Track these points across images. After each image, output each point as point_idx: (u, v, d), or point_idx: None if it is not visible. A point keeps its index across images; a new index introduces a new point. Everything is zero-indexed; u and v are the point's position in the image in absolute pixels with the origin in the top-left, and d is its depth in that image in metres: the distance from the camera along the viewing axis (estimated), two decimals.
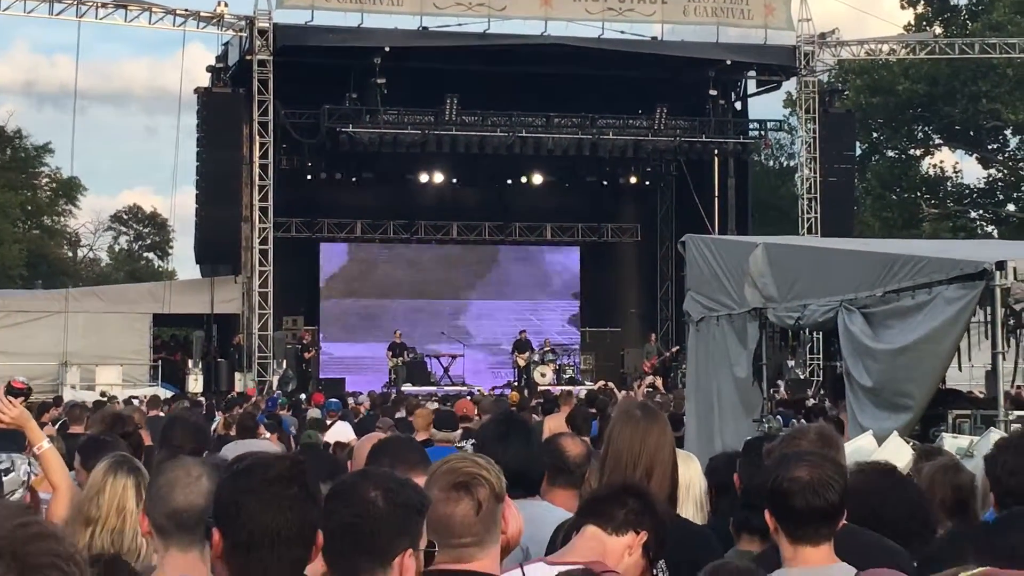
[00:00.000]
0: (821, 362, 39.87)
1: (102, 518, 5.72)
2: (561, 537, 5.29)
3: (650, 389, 35.55)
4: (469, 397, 27.72)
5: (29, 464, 5.87)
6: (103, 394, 29.98)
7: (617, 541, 4.74)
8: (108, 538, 5.67)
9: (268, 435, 16.46)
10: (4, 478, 5.52)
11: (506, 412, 13.15)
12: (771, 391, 16.91)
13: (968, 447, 10.47)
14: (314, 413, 21.15)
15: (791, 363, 36.89)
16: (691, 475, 6.56)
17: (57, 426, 19.83)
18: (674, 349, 44.59)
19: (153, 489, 4.47)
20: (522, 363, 42.41)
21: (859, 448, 9.39)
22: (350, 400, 29.02)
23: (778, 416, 15.54)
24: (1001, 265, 11.65)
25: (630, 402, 8.05)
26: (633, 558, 4.75)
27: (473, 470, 4.34)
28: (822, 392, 29.43)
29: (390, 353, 41.74)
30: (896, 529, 5.53)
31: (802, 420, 14.81)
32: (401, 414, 20.03)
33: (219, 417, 22.03)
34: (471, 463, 4.40)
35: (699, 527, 6.13)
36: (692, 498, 6.47)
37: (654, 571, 5.09)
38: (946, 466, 7.05)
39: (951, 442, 10.88)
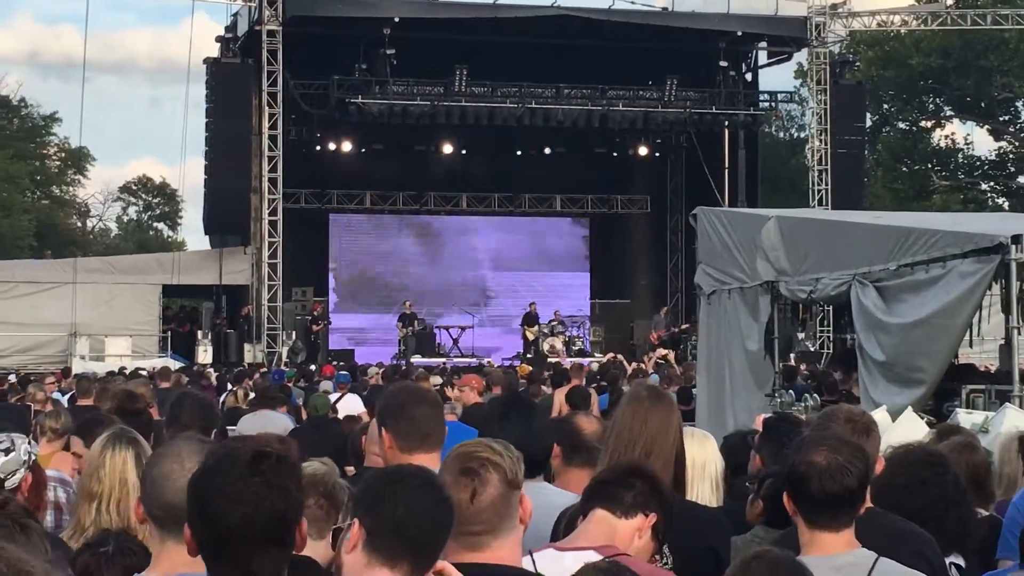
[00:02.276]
0: (831, 335, 39.89)
1: (105, 492, 5.69)
2: (565, 522, 5.23)
3: (661, 361, 35.47)
4: (481, 368, 27.72)
5: (29, 444, 5.81)
6: (122, 369, 29.90)
7: (627, 524, 4.68)
8: (115, 510, 5.65)
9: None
10: (5, 457, 5.46)
11: (510, 392, 13.11)
12: (781, 364, 16.82)
13: (983, 423, 10.39)
14: (325, 386, 21.09)
15: (801, 336, 36.78)
16: (707, 454, 6.48)
17: (67, 398, 19.85)
18: (684, 325, 44.56)
19: (147, 480, 4.39)
20: (531, 336, 42.34)
21: None
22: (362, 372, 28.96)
23: (790, 390, 15.47)
24: (1017, 239, 11.56)
25: (640, 384, 7.97)
26: (643, 541, 4.69)
27: (485, 455, 4.26)
28: (831, 366, 29.34)
29: (400, 324, 41.69)
30: (932, 519, 5.45)
31: (815, 396, 14.71)
32: None
33: (235, 390, 21.87)
34: (484, 448, 4.32)
35: (709, 510, 6.05)
36: (708, 477, 6.40)
37: (658, 557, 5.03)
38: (962, 445, 6.98)
39: (965, 417, 10.81)
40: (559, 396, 17.67)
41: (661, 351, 39.78)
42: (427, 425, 5.75)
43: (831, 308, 35.71)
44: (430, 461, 5.13)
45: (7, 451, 5.32)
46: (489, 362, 35.25)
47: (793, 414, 11.17)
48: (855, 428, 5.48)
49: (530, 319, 42.91)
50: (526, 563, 4.43)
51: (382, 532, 3.75)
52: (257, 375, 26.53)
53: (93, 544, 5.02)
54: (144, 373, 25.90)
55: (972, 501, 6.19)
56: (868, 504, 5.12)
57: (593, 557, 4.33)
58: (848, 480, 4.71)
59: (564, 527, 5.09)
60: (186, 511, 3.58)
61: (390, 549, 3.74)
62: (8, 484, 5.53)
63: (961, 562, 5.69)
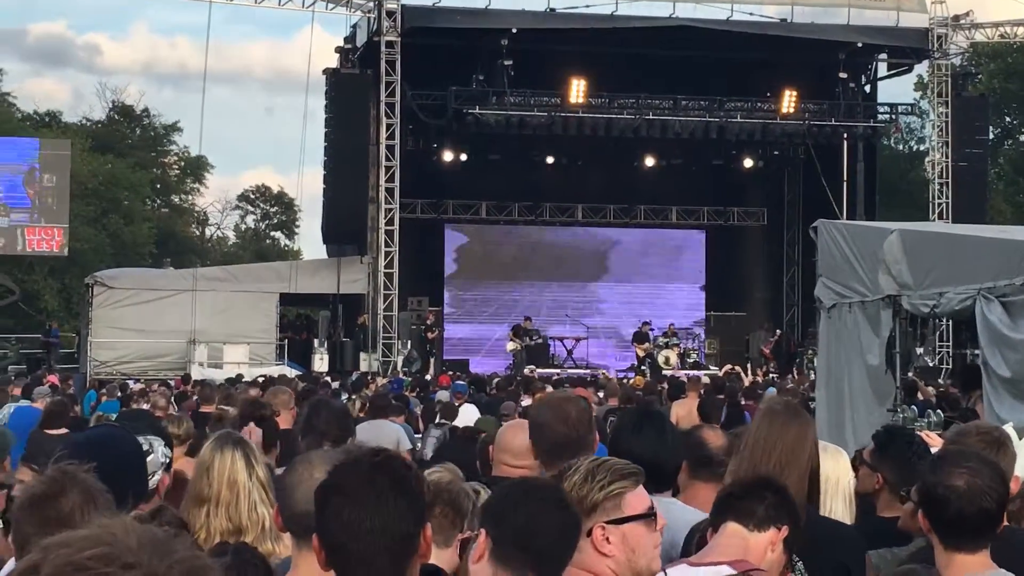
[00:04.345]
0: (951, 350, 39.41)
1: (214, 495, 5.71)
2: (697, 538, 5.18)
3: (774, 374, 35.24)
4: (595, 380, 27.68)
5: (166, 447, 5.86)
6: (240, 376, 30.21)
7: (759, 537, 4.62)
8: (224, 515, 5.66)
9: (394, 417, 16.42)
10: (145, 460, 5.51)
11: (643, 404, 13.07)
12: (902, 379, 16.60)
13: None
14: (442, 395, 21.14)
15: (920, 351, 36.34)
16: (840, 470, 6.40)
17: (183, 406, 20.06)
18: (779, 332, 44.25)
19: (280, 489, 4.42)
20: (641, 353, 42.13)
21: None
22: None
23: (913, 407, 15.28)
24: None
25: (775, 398, 7.91)
26: (775, 554, 4.63)
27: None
28: (949, 381, 28.99)
29: (512, 335, 41.72)
30: None
31: (938, 412, 14.52)
32: (527, 401, 19.92)
33: (354, 399, 21.96)
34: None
35: (843, 526, 5.98)
36: (841, 492, 6.32)
37: (791, 572, 4.97)
38: None
39: None
40: (676, 410, 17.61)
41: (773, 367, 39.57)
42: (566, 445, 5.77)
43: (950, 323, 35.30)
44: None
45: (146, 453, 5.37)
46: (604, 373, 35.15)
47: (904, 426, 11.04)
48: (987, 441, 5.38)
49: (640, 337, 42.70)
50: None
51: (508, 543, 3.75)
52: (376, 383, 26.66)
53: (210, 555, 5.03)
54: (261, 380, 26.12)
55: None
56: (1004, 522, 5.04)
57: (727, 572, 4.29)
58: (987, 503, 4.63)
59: (696, 542, 5.04)
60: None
61: (515, 560, 3.75)
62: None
63: None
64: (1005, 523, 5.13)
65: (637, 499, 4.29)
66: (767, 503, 4.66)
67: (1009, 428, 10.36)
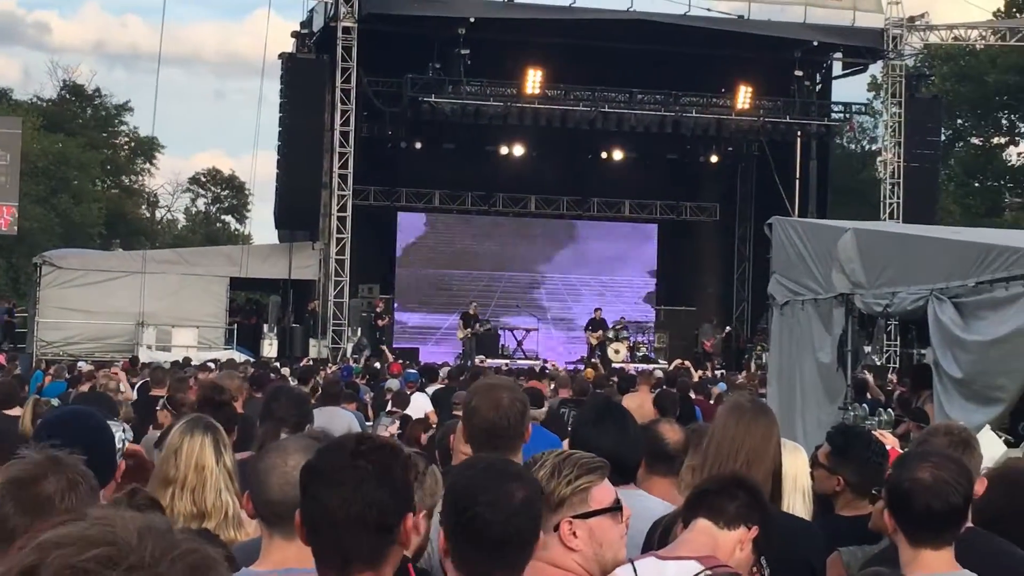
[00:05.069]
0: (899, 349, 39.63)
1: (180, 478, 5.67)
2: (659, 531, 5.18)
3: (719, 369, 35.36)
4: (544, 371, 27.67)
5: (123, 431, 5.81)
6: (187, 360, 30.08)
7: (728, 535, 4.63)
8: (189, 498, 5.63)
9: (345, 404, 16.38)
10: None
11: (603, 397, 13.06)
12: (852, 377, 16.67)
13: None
14: (392, 384, 21.08)
15: (868, 349, 36.51)
16: (798, 467, 6.42)
17: (136, 388, 19.97)
18: (728, 329, 44.50)
19: (252, 476, 4.40)
20: (594, 342, 42.24)
21: None
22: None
23: (863, 405, 15.35)
24: None
25: (741, 395, 7.93)
26: (744, 553, 4.64)
27: None
28: (895, 379, 29.17)
29: (461, 323, 41.70)
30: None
31: (889, 410, 14.59)
32: None
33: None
34: None
35: (805, 522, 6.00)
36: (800, 489, 6.34)
37: (755, 568, 4.99)
38: None
39: None
40: (626, 403, 17.61)
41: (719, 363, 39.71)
42: (496, 432, 5.75)
43: (898, 322, 35.43)
44: None
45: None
46: (554, 365, 35.15)
47: (858, 426, 11.09)
48: (952, 442, 5.40)
49: (595, 324, 42.84)
50: (626, 572, 4.39)
51: (460, 530, 3.75)
52: (327, 371, 26.59)
53: None
54: (211, 365, 26.02)
55: None
56: (968, 523, 5.06)
57: (695, 567, 4.29)
58: (954, 498, 4.65)
59: (659, 536, 5.05)
60: (290, 505, 3.59)
61: (471, 551, 3.73)
62: None
63: None
64: (970, 524, 5.16)
65: (603, 492, 4.27)
66: (739, 502, 4.67)
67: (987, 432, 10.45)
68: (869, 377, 22.12)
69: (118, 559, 1.89)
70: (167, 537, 1.96)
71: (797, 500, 6.27)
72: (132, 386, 20.31)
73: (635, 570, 4.46)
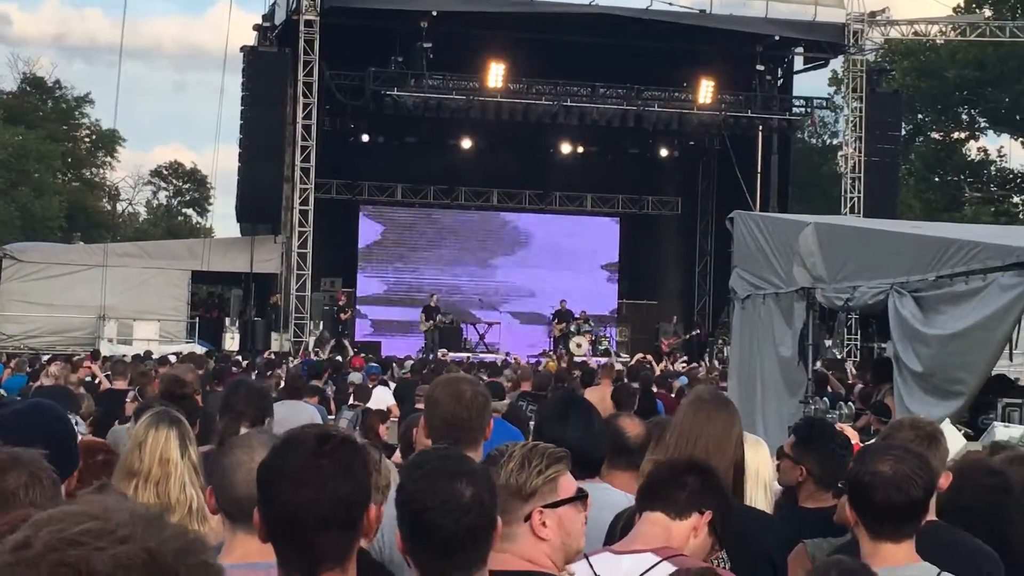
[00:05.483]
0: (859, 343, 39.80)
1: (145, 470, 5.65)
2: (621, 524, 5.20)
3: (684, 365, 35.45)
4: (507, 364, 27.70)
5: (77, 423, 5.81)
6: (148, 353, 29.96)
7: (681, 525, 4.64)
8: (153, 491, 5.61)
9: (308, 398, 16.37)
10: None
11: (567, 391, 13.09)
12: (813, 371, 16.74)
13: (1021, 437, 10.33)
14: (355, 377, 21.08)
15: (828, 343, 36.61)
16: (760, 460, 6.46)
17: (97, 380, 19.90)
18: (695, 332, 44.61)
19: (217, 471, 4.40)
20: (557, 334, 42.34)
21: None
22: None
23: (824, 398, 15.42)
24: None
25: (703, 387, 7.96)
26: (699, 539, 4.65)
27: None
28: (856, 373, 29.26)
29: (424, 316, 41.70)
30: (995, 535, 5.40)
31: (849, 404, 14.67)
32: None
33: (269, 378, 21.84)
34: None
35: (766, 515, 6.04)
36: (761, 483, 6.38)
37: (715, 562, 5.01)
38: (1012, 458, 6.96)
39: (1003, 431, 10.76)
40: (589, 396, 17.64)
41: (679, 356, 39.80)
42: (457, 424, 5.77)
43: (858, 316, 35.60)
44: None
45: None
46: (516, 358, 35.18)
47: (824, 419, 11.14)
48: (919, 435, 5.43)
49: (561, 315, 42.97)
50: (582, 567, 4.41)
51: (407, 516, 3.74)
52: (290, 364, 26.55)
53: None
54: (172, 359, 25.94)
55: None
56: (932, 517, 5.09)
57: (651, 559, 4.31)
58: (914, 491, 4.66)
59: (621, 528, 5.07)
60: (256, 502, 3.57)
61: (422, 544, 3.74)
62: None
63: None
64: (933, 517, 5.20)
65: (568, 481, 4.28)
66: (689, 489, 4.68)
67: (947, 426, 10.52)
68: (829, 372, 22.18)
69: (108, 531, 1.91)
70: (158, 519, 1.98)
71: (759, 494, 6.30)
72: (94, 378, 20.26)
73: (591, 565, 4.48)
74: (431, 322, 41.25)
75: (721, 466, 5.46)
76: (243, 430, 6.54)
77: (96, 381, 19.44)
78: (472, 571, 3.69)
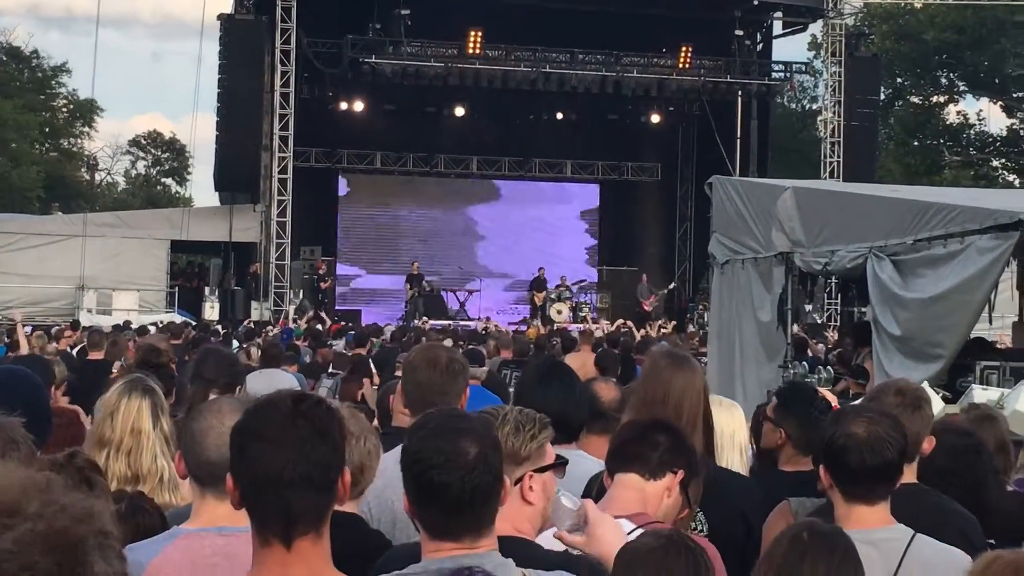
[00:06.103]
0: (839, 307, 39.88)
1: (116, 440, 5.62)
2: (596, 489, 5.18)
3: (665, 331, 35.47)
4: (487, 332, 27.68)
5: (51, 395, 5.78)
6: (127, 323, 29.90)
7: (655, 486, 4.63)
8: (124, 461, 5.59)
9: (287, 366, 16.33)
10: None
11: (548, 357, 13.07)
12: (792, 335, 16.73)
13: (999, 399, 10.34)
14: (336, 345, 21.03)
15: (808, 308, 36.72)
16: (735, 424, 6.47)
17: (76, 350, 19.86)
18: (671, 285, 44.67)
19: (187, 436, 4.37)
20: (538, 301, 42.34)
21: None
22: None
23: (803, 363, 15.42)
24: None
25: (660, 348, 7.97)
26: (672, 498, 4.65)
27: None
28: (836, 337, 29.32)
29: (408, 285, 41.68)
30: (964, 493, 5.40)
31: (828, 368, 14.67)
32: None
33: (247, 347, 21.76)
34: None
35: (742, 478, 6.04)
36: (737, 446, 6.39)
37: (693, 524, 5.01)
38: (983, 417, 6.99)
39: (981, 394, 10.77)
40: (569, 362, 17.62)
41: (665, 322, 39.78)
42: (432, 390, 5.75)
43: (838, 280, 35.67)
44: None
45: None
46: (496, 325, 35.17)
47: (806, 383, 11.15)
48: (903, 402, 5.40)
49: (539, 284, 42.95)
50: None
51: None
52: (268, 332, 26.50)
53: None
54: (151, 328, 25.90)
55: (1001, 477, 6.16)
56: (913, 480, 5.08)
57: (628, 526, 4.29)
58: (888, 453, 4.64)
59: (595, 493, 5.05)
60: (227, 466, 3.54)
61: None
62: None
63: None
64: (914, 480, 5.18)
65: (551, 448, 4.29)
66: (661, 449, 4.67)
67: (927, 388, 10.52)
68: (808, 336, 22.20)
69: (5, 509, 1.87)
70: (50, 490, 1.94)
71: (735, 456, 6.32)
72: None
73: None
74: (414, 290, 41.23)
75: (689, 425, 5.45)
76: (212, 397, 6.50)
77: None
78: (482, 530, 3.68)
